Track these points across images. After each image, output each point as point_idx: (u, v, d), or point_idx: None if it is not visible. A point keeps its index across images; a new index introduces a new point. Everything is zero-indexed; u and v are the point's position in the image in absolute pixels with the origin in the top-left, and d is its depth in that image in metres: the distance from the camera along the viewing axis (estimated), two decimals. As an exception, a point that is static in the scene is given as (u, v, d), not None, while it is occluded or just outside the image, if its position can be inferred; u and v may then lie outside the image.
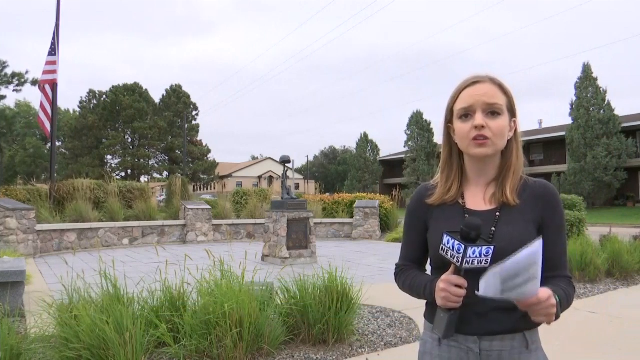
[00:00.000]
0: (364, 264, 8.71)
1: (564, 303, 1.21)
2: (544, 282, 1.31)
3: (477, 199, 1.34)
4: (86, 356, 3.03)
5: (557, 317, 1.16)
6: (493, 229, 1.26)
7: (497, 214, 1.28)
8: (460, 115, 1.30)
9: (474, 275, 1.20)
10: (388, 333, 4.21)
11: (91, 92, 48.98)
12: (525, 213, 1.28)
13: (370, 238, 14.53)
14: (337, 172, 75.62)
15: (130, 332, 3.04)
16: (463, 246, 1.14)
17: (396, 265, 1.49)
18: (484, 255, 1.15)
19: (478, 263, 1.16)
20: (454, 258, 1.17)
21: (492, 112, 1.27)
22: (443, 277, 1.21)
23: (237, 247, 9.61)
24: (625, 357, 3.78)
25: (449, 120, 1.36)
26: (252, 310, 3.46)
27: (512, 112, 1.32)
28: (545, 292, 1.10)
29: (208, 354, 3.34)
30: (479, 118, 1.26)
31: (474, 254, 1.15)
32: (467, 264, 1.15)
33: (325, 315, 3.79)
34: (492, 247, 1.16)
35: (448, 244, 1.18)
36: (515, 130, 1.33)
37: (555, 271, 1.29)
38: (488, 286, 1.10)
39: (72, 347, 3.05)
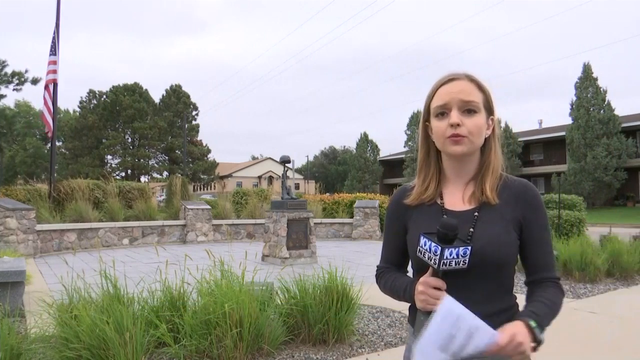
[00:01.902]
0: (364, 264, 8.70)
1: (548, 316, 1.18)
2: (530, 285, 1.28)
3: (456, 199, 1.31)
4: (86, 356, 3.03)
5: (539, 341, 1.12)
6: (471, 229, 1.23)
7: (476, 214, 1.25)
8: (436, 113, 1.28)
9: (453, 277, 1.18)
10: (388, 333, 4.21)
11: (91, 92, 48.95)
12: (505, 213, 1.25)
13: (370, 238, 14.53)
14: (337, 172, 75.60)
15: (130, 332, 3.04)
16: (439, 248, 1.12)
17: (377, 267, 1.47)
18: (462, 256, 1.13)
19: (456, 264, 1.14)
20: (431, 260, 1.15)
21: (469, 109, 1.24)
22: (421, 279, 1.19)
23: (237, 247, 9.61)
24: (625, 357, 3.77)
25: (426, 119, 1.34)
26: (252, 310, 3.46)
27: (490, 110, 1.29)
28: (506, 337, 1.06)
29: (208, 354, 3.34)
30: (455, 116, 1.23)
31: (450, 255, 1.13)
32: (444, 266, 1.13)
33: (325, 315, 3.79)
34: (469, 248, 1.14)
35: (425, 245, 1.16)
36: (493, 128, 1.31)
37: (540, 273, 1.27)
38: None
39: (72, 347, 3.05)
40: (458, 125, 1.23)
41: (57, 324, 3.32)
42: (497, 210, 1.25)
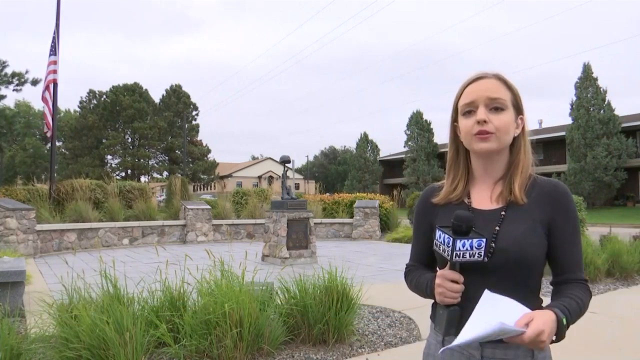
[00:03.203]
0: (364, 264, 8.71)
1: (576, 315, 1.16)
2: (557, 286, 1.26)
3: (484, 198, 1.30)
4: (86, 356, 3.03)
5: (562, 337, 1.11)
6: (497, 228, 1.22)
7: (503, 213, 1.25)
8: (463, 112, 1.28)
9: (475, 275, 1.17)
10: (388, 333, 4.21)
11: (91, 92, 48.95)
12: (533, 213, 1.24)
13: (370, 238, 14.52)
14: (337, 172, 75.62)
15: (130, 332, 3.04)
16: (451, 239, 1.12)
17: (406, 265, 1.48)
18: (476, 248, 1.12)
19: (470, 256, 1.13)
20: (445, 252, 1.15)
21: (496, 107, 1.24)
22: (439, 272, 1.20)
23: (237, 247, 9.61)
24: (625, 358, 3.78)
25: (454, 119, 1.33)
26: (252, 310, 3.46)
27: (519, 109, 1.29)
28: (531, 333, 1.04)
29: (208, 354, 3.34)
30: (481, 112, 1.23)
31: (463, 246, 1.12)
32: (457, 257, 1.13)
33: (325, 315, 3.79)
34: (485, 240, 1.13)
35: (440, 238, 1.16)
36: (523, 127, 1.30)
37: (569, 274, 1.24)
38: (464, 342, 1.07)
39: (72, 347, 3.05)
40: (485, 121, 1.22)
41: (57, 324, 3.32)
42: (525, 209, 1.24)
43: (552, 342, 1.11)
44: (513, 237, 1.20)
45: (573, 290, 1.21)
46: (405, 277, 1.46)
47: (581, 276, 1.25)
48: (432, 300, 1.31)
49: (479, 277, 1.19)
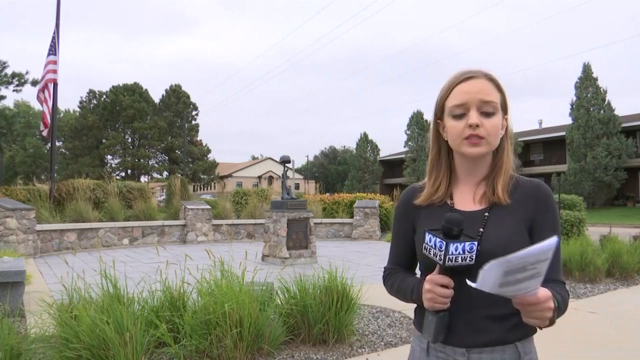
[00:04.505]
0: (364, 264, 8.71)
1: (561, 309, 1.14)
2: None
3: (467, 199, 1.28)
4: (86, 356, 3.03)
5: (553, 322, 1.09)
6: (481, 229, 1.20)
7: (487, 214, 1.23)
8: (453, 113, 1.23)
9: (460, 275, 1.15)
10: (388, 333, 4.21)
11: (91, 92, 48.96)
12: (516, 213, 1.22)
13: (370, 238, 14.53)
14: (337, 172, 75.60)
15: (130, 332, 3.04)
16: (444, 243, 1.10)
17: (384, 268, 1.43)
18: (468, 252, 1.10)
19: (462, 260, 1.11)
20: (436, 256, 1.12)
21: (487, 110, 1.21)
22: (428, 277, 1.17)
23: (237, 247, 9.61)
24: (625, 357, 3.78)
25: (438, 116, 1.29)
26: (252, 310, 3.46)
27: (505, 109, 1.26)
28: (545, 293, 1.02)
29: (208, 354, 3.34)
30: (474, 116, 1.19)
31: (456, 250, 1.10)
32: (450, 262, 1.10)
33: (325, 315, 3.79)
34: (476, 243, 1.11)
35: (430, 242, 1.13)
36: (507, 127, 1.27)
37: (548, 275, 1.21)
38: (486, 277, 0.98)
39: (72, 347, 3.05)
40: (477, 126, 1.19)
41: (57, 324, 3.32)
42: (508, 210, 1.23)
43: (545, 326, 1.09)
44: (498, 239, 1.19)
45: (555, 287, 1.19)
46: (384, 281, 1.42)
47: (560, 278, 1.23)
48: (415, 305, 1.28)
49: (461, 278, 1.16)
